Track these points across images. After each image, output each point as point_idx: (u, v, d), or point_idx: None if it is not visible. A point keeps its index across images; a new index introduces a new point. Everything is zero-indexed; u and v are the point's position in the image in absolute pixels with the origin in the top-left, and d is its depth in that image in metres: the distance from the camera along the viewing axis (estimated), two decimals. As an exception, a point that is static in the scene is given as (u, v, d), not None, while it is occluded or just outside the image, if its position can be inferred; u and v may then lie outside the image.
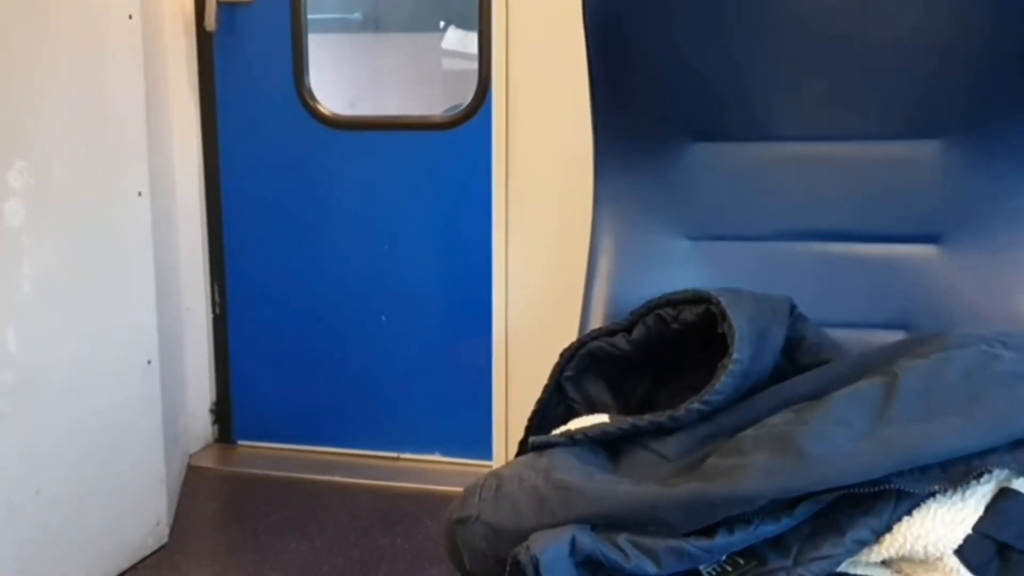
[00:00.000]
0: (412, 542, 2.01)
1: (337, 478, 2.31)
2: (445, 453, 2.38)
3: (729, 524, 0.71)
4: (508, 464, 0.84)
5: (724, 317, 0.86)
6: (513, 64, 1.43)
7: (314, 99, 2.29)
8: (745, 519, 0.71)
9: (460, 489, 0.82)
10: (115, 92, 1.78)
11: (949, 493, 0.71)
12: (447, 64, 2.48)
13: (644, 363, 0.98)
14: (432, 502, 2.17)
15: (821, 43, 1.05)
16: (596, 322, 1.09)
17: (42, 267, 1.60)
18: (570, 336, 1.01)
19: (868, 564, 0.73)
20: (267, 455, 2.45)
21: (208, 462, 2.41)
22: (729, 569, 0.72)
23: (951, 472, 0.70)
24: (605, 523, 0.73)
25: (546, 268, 1.45)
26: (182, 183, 2.30)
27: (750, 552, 0.72)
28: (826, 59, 1.05)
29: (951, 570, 0.70)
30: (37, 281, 1.60)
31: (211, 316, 2.45)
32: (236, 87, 2.33)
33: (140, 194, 1.84)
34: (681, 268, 1.09)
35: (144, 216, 1.86)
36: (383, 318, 2.37)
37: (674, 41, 1.08)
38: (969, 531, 0.70)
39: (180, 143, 2.28)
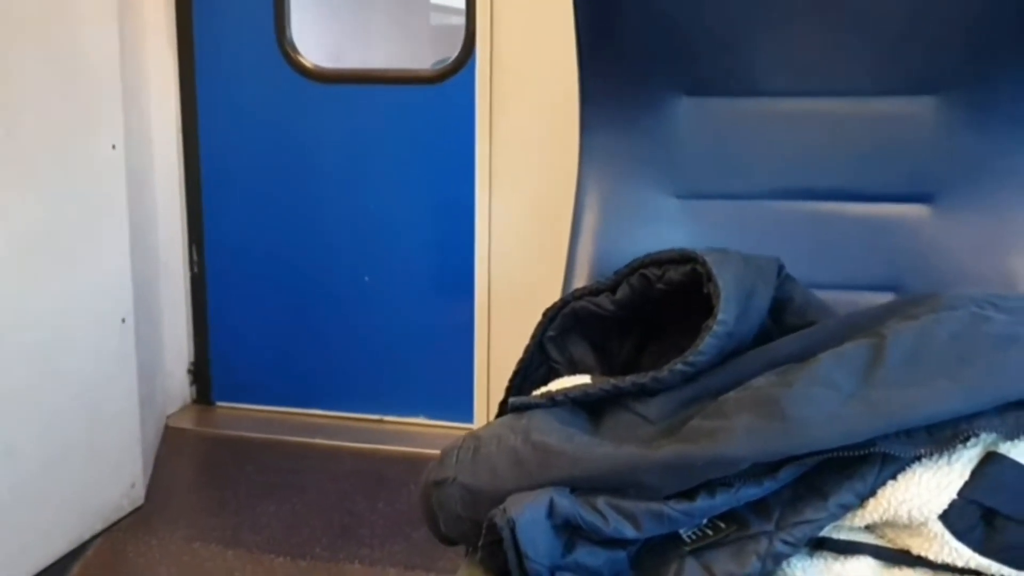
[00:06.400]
0: (394, 506, 2.00)
1: (318, 440, 2.30)
2: (430, 416, 2.37)
3: (710, 487, 0.70)
4: (487, 425, 0.83)
5: (710, 277, 0.84)
6: (498, 17, 1.40)
7: (296, 51, 2.23)
8: (726, 482, 0.70)
9: (445, 453, 0.80)
10: (88, 42, 1.73)
11: (935, 457, 0.70)
12: (436, 18, 2.42)
13: (628, 323, 0.96)
14: (416, 465, 2.15)
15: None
16: (580, 281, 1.07)
17: (12, 223, 1.57)
18: (554, 295, 1.00)
19: (851, 529, 0.72)
20: (246, 416, 2.43)
21: (186, 423, 2.39)
22: (710, 533, 0.71)
23: (937, 436, 0.69)
24: (584, 485, 0.72)
25: (530, 225, 1.43)
26: (159, 137, 2.25)
27: (731, 516, 0.71)
28: (820, 11, 1.03)
29: (935, 535, 0.69)
30: (7, 237, 1.56)
31: (189, 274, 2.41)
32: (215, 38, 2.28)
33: (114, 147, 1.80)
34: (668, 226, 1.08)
35: (118, 170, 1.81)
36: (366, 278, 2.34)
37: (663, -9, 1.05)
38: (954, 496, 0.69)
39: (157, 96, 2.23)
